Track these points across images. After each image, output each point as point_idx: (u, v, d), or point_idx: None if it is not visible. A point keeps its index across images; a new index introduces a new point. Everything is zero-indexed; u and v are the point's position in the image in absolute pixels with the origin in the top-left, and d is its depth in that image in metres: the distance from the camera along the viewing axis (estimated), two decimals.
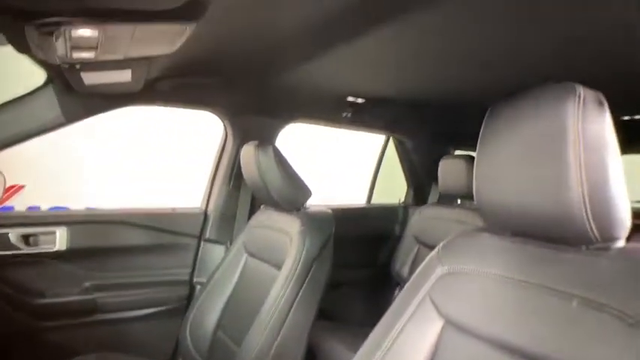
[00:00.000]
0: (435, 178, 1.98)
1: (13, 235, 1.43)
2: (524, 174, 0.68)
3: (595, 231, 0.61)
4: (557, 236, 0.69)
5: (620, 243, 0.64)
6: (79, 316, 1.54)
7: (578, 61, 1.15)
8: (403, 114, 2.07)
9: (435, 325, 0.80)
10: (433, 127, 2.32)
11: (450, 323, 0.78)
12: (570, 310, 0.61)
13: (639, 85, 1.33)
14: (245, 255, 1.58)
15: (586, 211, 0.60)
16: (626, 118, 1.82)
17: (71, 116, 1.37)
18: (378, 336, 0.85)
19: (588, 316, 0.59)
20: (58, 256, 1.51)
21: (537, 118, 0.66)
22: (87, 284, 1.57)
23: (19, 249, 1.44)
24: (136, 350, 1.53)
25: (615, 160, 0.62)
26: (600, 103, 0.63)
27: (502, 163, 0.72)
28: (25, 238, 1.46)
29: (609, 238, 0.63)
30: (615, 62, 1.15)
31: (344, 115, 1.89)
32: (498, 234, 0.81)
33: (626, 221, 0.63)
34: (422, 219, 2.07)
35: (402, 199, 2.57)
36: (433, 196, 2.54)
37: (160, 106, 1.56)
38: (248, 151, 1.47)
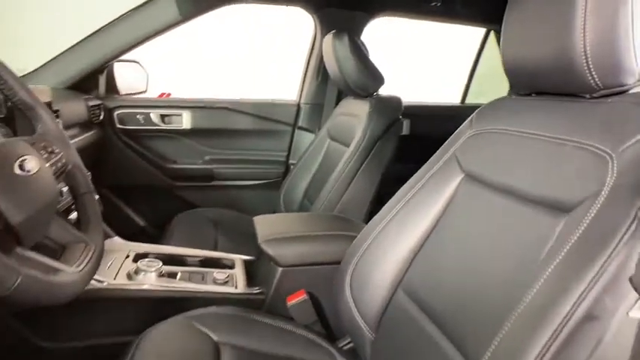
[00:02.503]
0: None
1: (154, 115, 1.87)
2: (537, 30, 0.70)
3: (596, 79, 0.62)
4: (564, 88, 0.72)
5: (632, 90, 0.63)
6: (201, 181, 1.98)
7: None
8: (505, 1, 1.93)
9: (455, 179, 0.91)
10: None
11: (468, 176, 0.88)
12: (564, 154, 0.66)
13: None
14: (328, 139, 1.80)
15: (586, 58, 0.61)
16: None
17: (186, 13, 1.65)
18: (404, 189, 0.99)
19: (577, 157, 0.63)
20: (185, 133, 1.93)
21: None
22: (207, 157, 1.99)
23: (158, 125, 1.88)
24: (243, 210, 1.93)
25: (627, 2, 0.59)
26: None
27: (522, 24, 0.75)
28: (162, 118, 1.88)
29: (612, 85, 0.63)
30: None
31: (433, 4, 1.85)
32: (522, 95, 0.85)
33: (634, 68, 0.61)
34: None
35: None
36: None
37: (254, 2, 1.76)
38: (327, 41, 1.61)
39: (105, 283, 1.00)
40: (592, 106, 0.67)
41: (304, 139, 2.03)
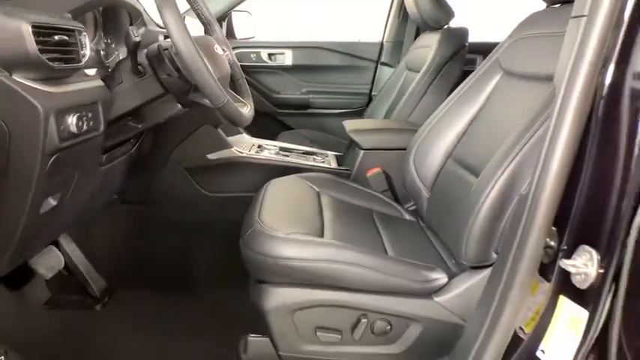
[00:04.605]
0: None
1: (263, 53, 2.32)
2: None
3: None
4: None
5: None
6: (299, 108, 2.42)
7: None
8: None
9: (496, 77, 1.21)
10: None
11: (505, 73, 1.18)
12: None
13: None
14: (405, 71, 2.11)
15: None
16: None
17: None
18: (456, 91, 1.30)
19: None
20: (287, 69, 2.36)
21: None
22: (303, 89, 2.41)
23: (266, 62, 2.33)
24: (332, 133, 2.34)
25: None
26: None
27: None
28: (270, 56, 2.33)
29: None
30: None
31: None
32: (552, 8, 1.12)
33: None
34: None
35: None
36: None
37: None
38: None
39: (244, 153, 1.48)
40: None
41: (385, 73, 2.36)
